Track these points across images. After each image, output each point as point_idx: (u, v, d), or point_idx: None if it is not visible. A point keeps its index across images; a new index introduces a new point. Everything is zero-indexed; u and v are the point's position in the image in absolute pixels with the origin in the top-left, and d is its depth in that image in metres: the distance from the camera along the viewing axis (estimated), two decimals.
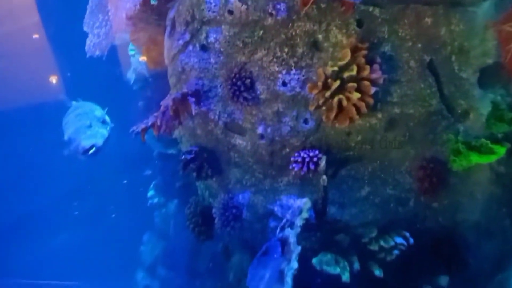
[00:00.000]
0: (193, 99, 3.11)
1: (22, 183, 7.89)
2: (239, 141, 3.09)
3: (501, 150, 2.29)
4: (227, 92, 3.00)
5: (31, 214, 7.99)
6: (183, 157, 3.22)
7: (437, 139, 2.60)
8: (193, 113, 3.16)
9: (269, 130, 2.95)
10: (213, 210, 3.37)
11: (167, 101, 2.96)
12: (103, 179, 7.69)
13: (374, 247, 2.61)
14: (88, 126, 4.38)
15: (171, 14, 3.25)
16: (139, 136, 2.88)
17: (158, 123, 2.80)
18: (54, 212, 8.08)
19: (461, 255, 2.60)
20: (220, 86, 3.07)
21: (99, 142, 4.19)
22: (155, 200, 6.49)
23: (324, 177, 2.67)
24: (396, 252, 2.53)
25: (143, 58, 4.43)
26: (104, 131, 4.39)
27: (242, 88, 2.90)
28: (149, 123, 2.84)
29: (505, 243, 2.72)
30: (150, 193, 6.60)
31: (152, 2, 3.29)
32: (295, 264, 2.41)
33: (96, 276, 7.69)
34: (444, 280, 2.63)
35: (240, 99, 2.93)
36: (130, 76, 5.49)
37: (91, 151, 4.12)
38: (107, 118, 4.93)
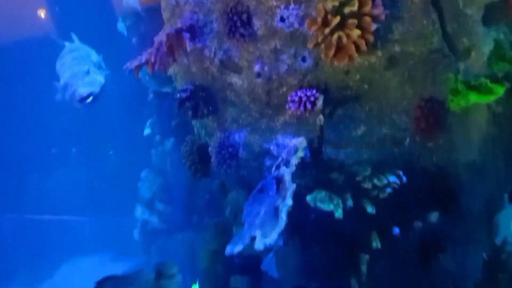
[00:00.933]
0: (188, 35, 3.01)
1: (17, 124, 7.82)
2: (235, 79, 3.04)
3: (500, 90, 2.26)
4: (223, 27, 2.89)
5: (28, 153, 8.00)
6: (178, 95, 3.18)
7: (437, 78, 2.56)
8: (188, 50, 3.06)
9: (266, 68, 2.88)
10: (209, 149, 3.39)
11: (161, 37, 2.86)
12: (99, 119, 7.62)
13: (367, 185, 2.65)
14: (86, 72, 4.18)
15: None
16: (133, 73, 2.81)
17: (152, 59, 2.73)
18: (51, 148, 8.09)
19: (453, 194, 2.66)
20: (216, 21, 2.95)
21: (96, 89, 4.02)
22: (152, 138, 6.51)
23: (321, 116, 2.66)
24: (389, 190, 2.59)
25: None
26: (101, 78, 4.22)
27: (238, 24, 2.80)
28: (143, 60, 2.76)
29: (497, 183, 2.78)
30: (146, 131, 6.61)
31: None
32: (289, 201, 2.46)
33: (96, 211, 7.90)
34: (434, 216, 2.71)
35: (236, 35, 2.83)
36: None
37: (88, 100, 3.98)
38: (102, 63, 4.76)
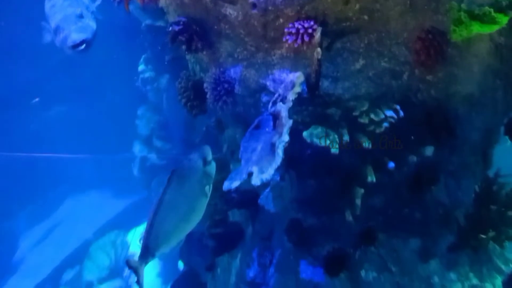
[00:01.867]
0: None
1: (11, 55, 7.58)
2: (229, 10, 2.90)
3: (503, 19, 2.16)
4: None
5: (24, 87, 7.84)
6: (170, 28, 3.05)
7: (439, 8, 2.44)
8: None
9: None
10: (205, 85, 3.32)
11: None
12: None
13: (364, 120, 2.64)
14: (78, 15, 3.91)
15: None
16: (122, 4, 2.68)
17: None
18: (47, 85, 7.94)
19: (450, 127, 2.65)
20: None
21: (89, 36, 3.80)
22: (146, 75, 6.39)
23: (319, 49, 2.57)
24: (385, 124, 2.57)
25: None
26: (93, 24, 3.97)
27: None
28: None
29: (495, 115, 2.76)
30: (141, 67, 6.46)
31: None
32: (286, 137, 2.46)
33: (94, 149, 7.93)
34: (429, 150, 2.73)
35: None
36: None
37: (81, 47, 3.77)
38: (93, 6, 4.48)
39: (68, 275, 7.33)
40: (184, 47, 3.16)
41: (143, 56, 6.39)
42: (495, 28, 2.20)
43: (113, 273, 7.25)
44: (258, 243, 3.30)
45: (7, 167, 7.55)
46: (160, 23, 5.33)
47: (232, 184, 2.38)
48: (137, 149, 6.81)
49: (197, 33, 3.07)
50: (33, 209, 8.32)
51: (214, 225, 3.42)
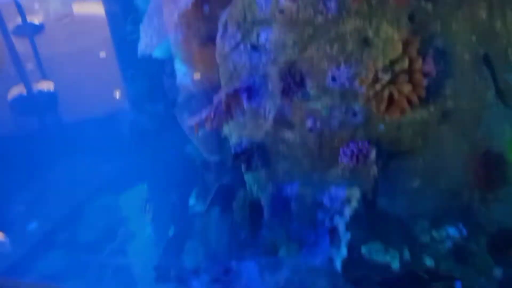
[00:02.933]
0: (245, 95, 3.23)
1: None
2: (288, 135, 3.18)
3: None
4: (277, 89, 3.10)
5: None
6: (233, 150, 3.35)
7: (493, 133, 2.59)
8: (244, 109, 3.28)
9: (318, 123, 3.02)
10: (262, 202, 3.48)
11: (220, 96, 3.10)
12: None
13: (425, 238, 2.62)
14: None
15: (223, 17, 3.39)
16: (193, 130, 3.04)
17: (212, 116, 2.94)
18: None
19: None
20: (271, 83, 3.18)
21: None
22: (197, 208, 6.64)
23: (374, 167, 2.72)
24: (448, 243, 2.54)
25: (196, 75, 4.46)
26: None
27: (292, 86, 3.00)
28: (203, 117, 2.99)
29: None
30: (192, 201, 6.75)
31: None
32: (344, 251, 2.47)
33: None
34: (499, 272, 2.60)
35: (290, 94, 3.03)
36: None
37: None
38: None
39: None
40: (244, 166, 3.42)
41: (194, 189, 6.72)
42: None
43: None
44: None
45: None
46: (214, 158, 5.71)
47: None
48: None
49: (257, 153, 3.35)
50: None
51: None
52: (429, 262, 2.58)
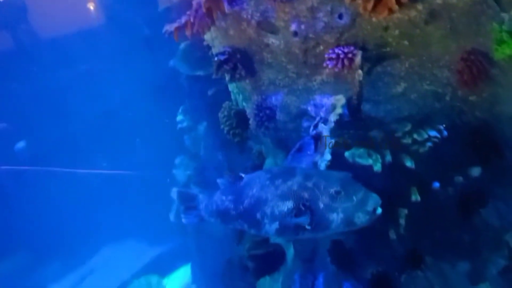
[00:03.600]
0: None
1: None
2: (272, 40, 3.06)
3: None
4: None
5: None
6: (216, 58, 3.24)
7: (480, 30, 2.49)
8: (226, 12, 3.11)
9: (302, 27, 2.89)
10: (247, 111, 3.46)
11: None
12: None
13: (407, 140, 2.65)
14: None
15: None
16: (172, 36, 2.90)
17: (191, 20, 2.79)
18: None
19: (497, 148, 2.62)
20: None
21: None
22: (184, 124, 6.62)
23: (360, 71, 2.66)
24: (429, 144, 2.58)
25: None
26: None
27: None
28: (182, 22, 2.83)
29: None
30: (179, 117, 6.70)
31: None
32: (328, 156, 2.51)
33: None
34: (476, 171, 2.69)
35: None
36: None
37: None
38: None
39: None
40: (228, 76, 3.33)
41: (181, 107, 6.65)
42: None
43: None
44: (300, 265, 3.28)
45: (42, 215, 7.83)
46: (199, 73, 5.58)
47: None
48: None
49: (241, 62, 3.24)
50: (67, 257, 8.41)
51: (255, 246, 3.43)
52: (409, 163, 2.65)
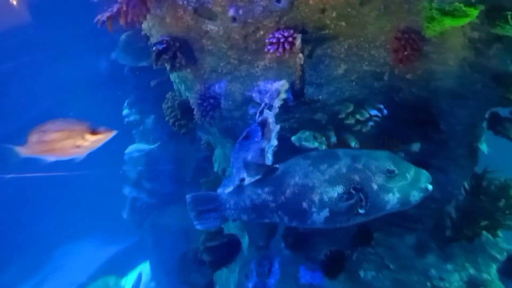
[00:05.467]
0: None
1: None
2: (210, 26, 2.98)
3: (474, 12, 2.27)
4: None
5: None
6: (154, 48, 3.11)
7: (412, 9, 2.55)
8: None
9: (241, 11, 2.83)
10: (191, 102, 3.36)
11: None
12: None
13: (350, 121, 2.69)
14: None
15: None
16: (105, 25, 2.74)
17: (124, 8, 2.65)
18: None
19: (434, 121, 2.72)
20: None
21: None
22: (131, 118, 6.42)
23: (300, 55, 2.65)
24: (371, 123, 2.63)
25: None
26: None
27: None
28: (115, 10, 2.68)
29: (477, 107, 2.83)
30: (125, 111, 6.49)
31: None
32: (274, 141, 2.49)
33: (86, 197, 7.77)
34: (416, 146, 2.78)
35: None
36: None
37: None
38: None
39: None
40: (168, 66, 3.22)
41: (126, 100, 6.42)
42: (466, 20, 2.30)
43: None
44: (255, 253, 3.28)
45: None
46: (143, 64, 5.39)
47: (225, 190, 2.38)
48: (127, 191, 6.72)
49: (181, 50, 3.14)
50: (23, 261, 8.05)
51: (209, 238, 3.38)
52: (353, 143, 2.69)
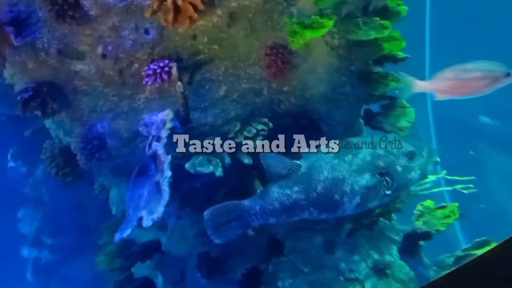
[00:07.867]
0: (12, 29, 2.69)
1: None
2: (80, 66, 2.84)
3: (329, 22, 2.49)
4: (49, 14, 2.65)
5: None
6: (19, 97, 2.85)
7: (275, 25, 2.70)
8: (17, 45, 2.75)
9: (110, 48, 2.75)
10: (72, 147, 3.14)
11: None
12: None
13: (240, 139, 2.75)
14: None
15: None
16: None
17: None
18: None
19: (316, 126, 2.91)
20: (40, 9, 2.70)
21: None
22: (19, 171, 5.82)
23: (179, 83, 2.64)
24: (259, 138, 2.71)
25: None
26: None
27: (65, 7, 2.59)
28: None
29: (350, 107, 3.09)
30: (10, 164, 5.86)
31: None
32: (168, 173, 2.44)
33: None
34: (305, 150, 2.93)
35: (66, 19, 2.62)
36: None
37: None
38: None
39: None
40: (39, 113, 2.96)
41: (10, 151, 5.80)
42: (324, 31, 2.51)
43: None
44: None
45: None
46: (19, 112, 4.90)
47: (123, 234, 2.25)
48: (26, 252, 6.04)
49: (50, 95, 2.92)
50: None
51: (120, 286, 3.15)
52: (247, 160, 2.75)
